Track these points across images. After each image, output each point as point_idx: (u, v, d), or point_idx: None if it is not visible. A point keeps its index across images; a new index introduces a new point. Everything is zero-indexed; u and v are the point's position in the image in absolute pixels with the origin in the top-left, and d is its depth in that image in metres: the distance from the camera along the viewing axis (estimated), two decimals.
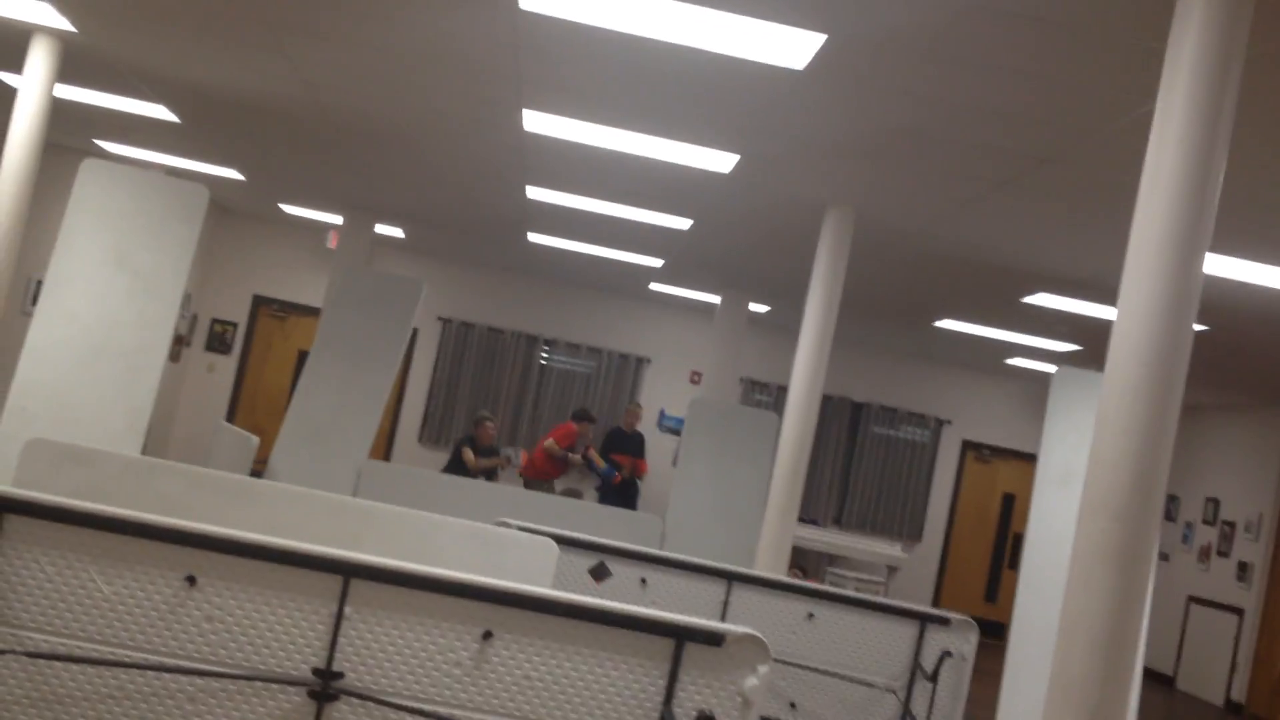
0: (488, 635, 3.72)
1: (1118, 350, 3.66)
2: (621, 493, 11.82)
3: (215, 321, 13.76)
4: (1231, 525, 11.71)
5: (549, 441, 11.80)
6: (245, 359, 13.90)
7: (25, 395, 6.45)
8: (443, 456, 13.74)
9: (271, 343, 14.05)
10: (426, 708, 3.69)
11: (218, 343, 13.78)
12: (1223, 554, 11.76)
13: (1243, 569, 11.29)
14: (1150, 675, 12.05)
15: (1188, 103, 3.65)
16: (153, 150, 11.11)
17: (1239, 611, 11.20)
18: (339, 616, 3.65)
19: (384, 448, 13.72)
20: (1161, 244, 3.63)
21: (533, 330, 14.10)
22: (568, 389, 14.01)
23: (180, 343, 13.24)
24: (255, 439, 7.45)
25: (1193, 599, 12.07)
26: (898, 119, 5.69)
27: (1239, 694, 10.92)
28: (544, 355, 14.16)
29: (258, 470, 7.66)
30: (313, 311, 13.76)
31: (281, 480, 7.26)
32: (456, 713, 3.71)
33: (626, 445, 12.14)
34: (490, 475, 11.28)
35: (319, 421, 8.35)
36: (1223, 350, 9.57)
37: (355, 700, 3.65)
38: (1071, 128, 5.35)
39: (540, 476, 11.70)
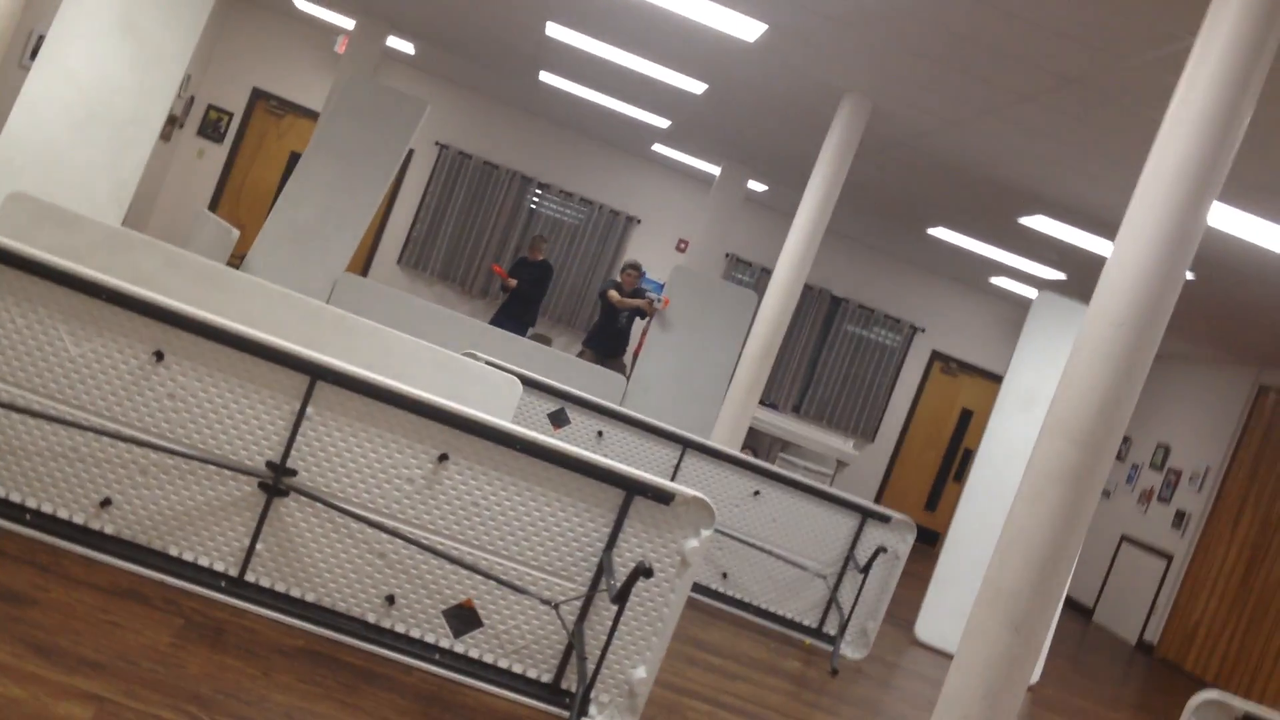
0: (443, 458, 3.76)
1: (1108, 280, 3.68)
2: (519, 314, 11.48)
3: (211, 108, 13.50)
4: (1177, 474, 11.90)
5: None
6: (236, 151, 13.68)
7: (13, 149, 6.34)
8: (421, 284, 13.71)
9: (264, 139, 13.82)
10: (374, 517, 3.73)
11: (211, 129, 13.53)
12: (1163, 500, 11.98)
13: (1180, 518, 11.51)
14: (1070, 604, 12.38)
15: (1227, 45, 3.60)
16: None
17: (1168, 557, 11.46)
18: (300, 415, 3.67)
19: (363, 264, 13.65)
20: (1172, 183, 3.62)
21: (528, 171, 13.93)
22: (554, 235, 13.92)
23: (173, 123, 13.01)
24: (236, 231, 7.38)
25: (1126, 538, 12.33)
26: (938, 13, 5.58)
27: (1152, 636, 11.25)
28: (535, 198, 14.02)
29: (234, 264, 7.60)
30: (311, 114, 13.52)
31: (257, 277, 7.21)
32: (402, 527, 3.77)
33: (529, 272, 11.72)
34: (641, 316, 11.05)
35: (302, 225, 8.28)
36: (1203, 302, 9.61)
37: (305, 499, 3.69)
38: (1107, 52, 5.27)
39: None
